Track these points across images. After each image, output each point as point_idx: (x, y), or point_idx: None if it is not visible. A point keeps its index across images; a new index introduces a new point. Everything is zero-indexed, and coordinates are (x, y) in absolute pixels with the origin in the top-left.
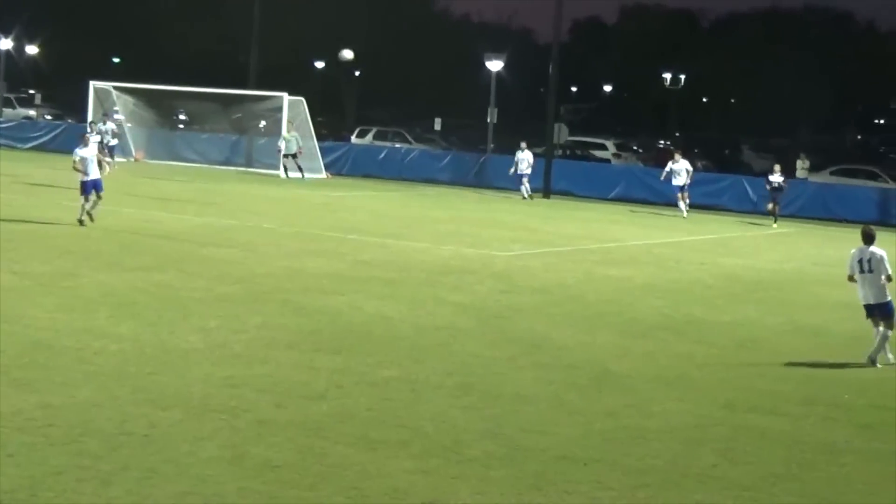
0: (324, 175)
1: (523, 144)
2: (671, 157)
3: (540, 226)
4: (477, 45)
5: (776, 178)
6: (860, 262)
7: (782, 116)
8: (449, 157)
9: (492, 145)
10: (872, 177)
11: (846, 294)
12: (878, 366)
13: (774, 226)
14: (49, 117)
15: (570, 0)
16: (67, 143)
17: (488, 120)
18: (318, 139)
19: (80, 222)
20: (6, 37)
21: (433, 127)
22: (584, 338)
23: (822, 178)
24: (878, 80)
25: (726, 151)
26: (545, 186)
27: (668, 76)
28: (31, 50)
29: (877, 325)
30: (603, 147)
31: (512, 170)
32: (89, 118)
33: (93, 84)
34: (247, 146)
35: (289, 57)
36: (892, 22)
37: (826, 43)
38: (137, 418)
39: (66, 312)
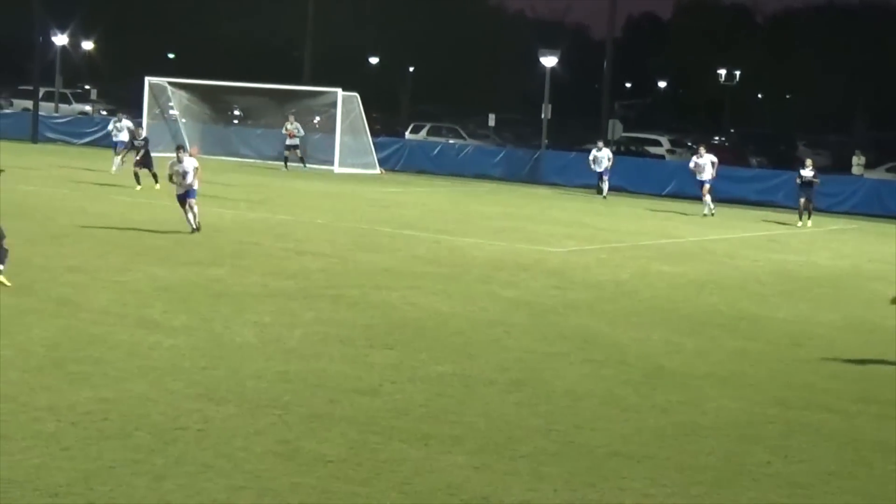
0: (378, 171)
1: (600, 143)
2: (696, 152)
3: (594, 222)
4: (531, 41)
5: (807, 172)
6: None
7: (838, 112)
8: (503, 153)
9: (546, 141)
10: None
11: None
12: None
13: (807, 223)
14: (104, 113)
15: None
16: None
17: (542, 116)
18: (372, 135)
19: (195, 230)
20: (62, 33)
21: (487, 123)
22: (638, 334)
23: (878, 174)
24: None
25: (781, 148)
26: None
27: (722, 72)
28: (87, 46)
29: None
30: (657, 143)
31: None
32: (144, 113)
33: (148, 79)
34: (301, 142)
35: (343, 52)
36: None
37: (882, 38)
38: (191, 413)
39: (120, 307)
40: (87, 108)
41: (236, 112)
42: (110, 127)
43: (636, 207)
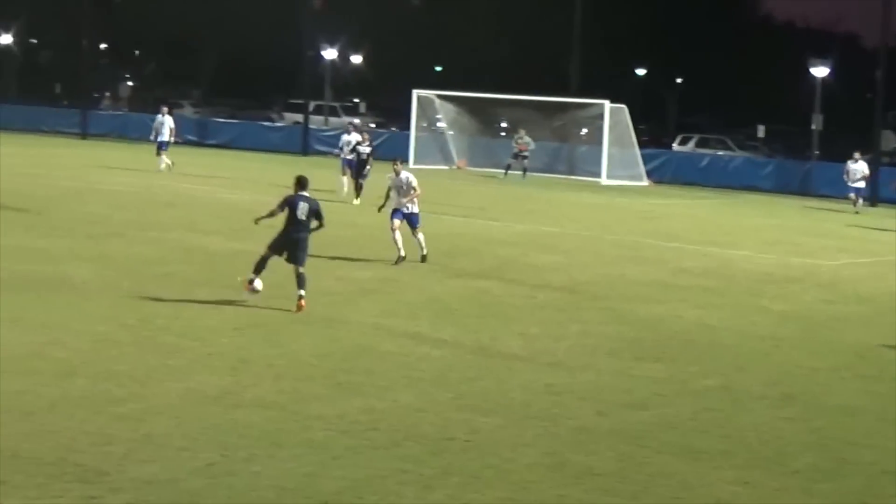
0: (645, 182)
1: (857, 154)
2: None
3: (867, 234)
4: (802, 50)
5: (856, 166)
6: None
7: None
8: (772, 165)
9: (817, 152)
10: None
11: None
12: None
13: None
14: (373, 125)
15: None
16: (390, 150)
17: (813, 127)
18: (640, 146)
19: (423, 256)
20: (331, 47)
21: (756, 134)
22: None
23: None
24: None
25: None
26: (872, 194)
27: None
28: (356, 59)
29: None
30: None
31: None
32: (412, 125)
33: (416, 92)
34: (568, 153)
35: (610, 64)
36: None
37: None
38: (459, 424)
39: (388, 318)
40: (356, 120)
41: (503, 124)
42: (161, 119)
43: None
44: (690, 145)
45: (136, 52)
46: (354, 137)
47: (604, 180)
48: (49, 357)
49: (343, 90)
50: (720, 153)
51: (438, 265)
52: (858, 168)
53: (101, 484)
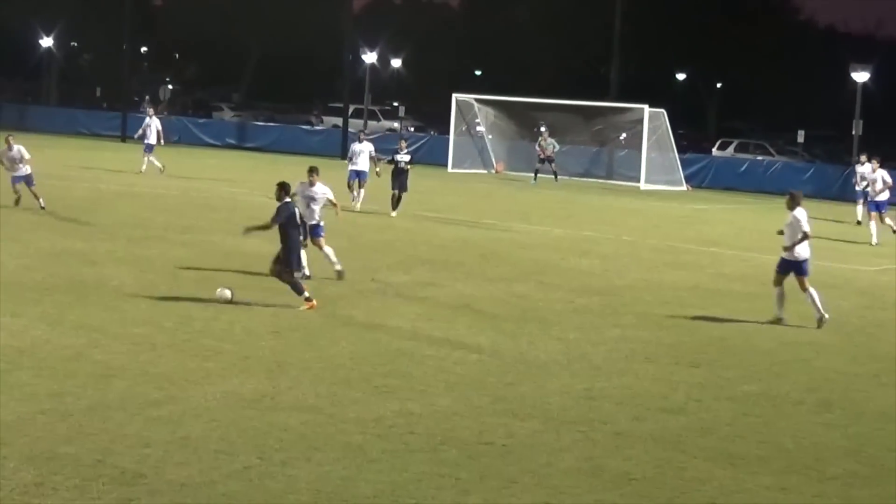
0: (684, 187)
1: (863, 157)
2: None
3: None
4: (842, 55)
5: (863, 169)
6: None
7: None
8: (812, 170)
9: (857, 157)
10: None
11: None
12: None
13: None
14: (412, 129)
15: None
16: (430, 155)
17: (853, 132)
18: (679, 151)
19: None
20: (371, 51)
21: (796, 139)
22: None
23: None
24: None
25: None
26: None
27: None
28: (395, 63)
29: None
30: None
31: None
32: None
33: (455, 96)
34: (607, 158)
35: (649, 68)
36: None
37: None
38: (496, 428)
39: (426, 322)
40: (395, 124)
41: (542, 129)
42: (148, 121)
43: None
44: (730, 150)
45: (176, 56)
46: (366, 147)
47: (642, 185)
48: (87, 359)
49: (382, 94)
50: (759, 158)
51: (476, 269)
52: (864, 171)
53: (139, 486)
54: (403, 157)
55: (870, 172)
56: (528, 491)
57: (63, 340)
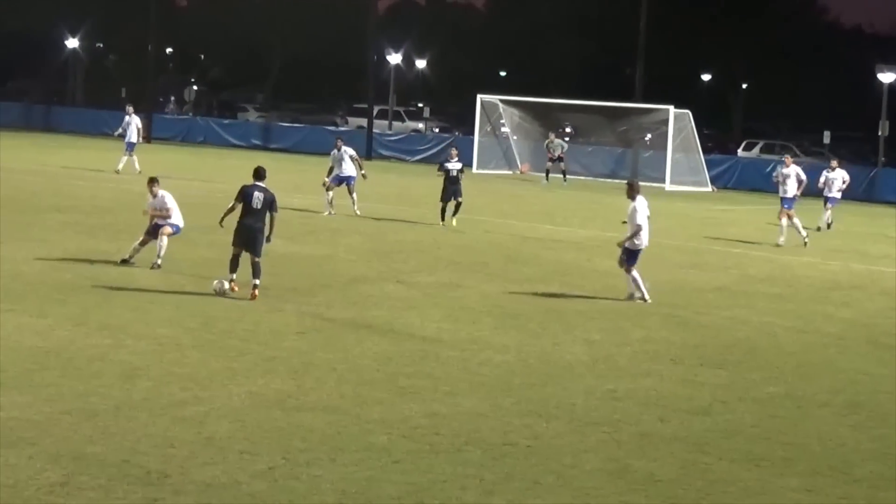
0: (709, 188)
1: (834, 163)
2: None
3: None
4: (869, 56)
5: (833, 175)
6: None
7: None
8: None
9: (883, 158)
10: None
11: None
12: None
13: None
14: (437, 130)
15: None
16: None
17: (879, 133)
18: (704, 152)
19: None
20: (395, 52)
21: (822, 140)
22: None
23: None
24: None
25: None
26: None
27: None
28: (420, 64)
29: None
30: None
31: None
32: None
33: (480, 97)
34: (632, 159)
35: (675, 69)
36: None
37: None
38: (521, 429)
39: (451, 323)
40: (420, 125)
41: (567, 129)
42: (123, 125)
43: None
44: (755, 151)
45: (202, 57)
46: (346, 152)
47: (668, 186)
48: (113, 359)
49: (407, 95)
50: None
51: (501, 270)
52: (835, 177)
53: (164, 486)
54: (455, 166)
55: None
56: (552, 492)
57: (89, 341)
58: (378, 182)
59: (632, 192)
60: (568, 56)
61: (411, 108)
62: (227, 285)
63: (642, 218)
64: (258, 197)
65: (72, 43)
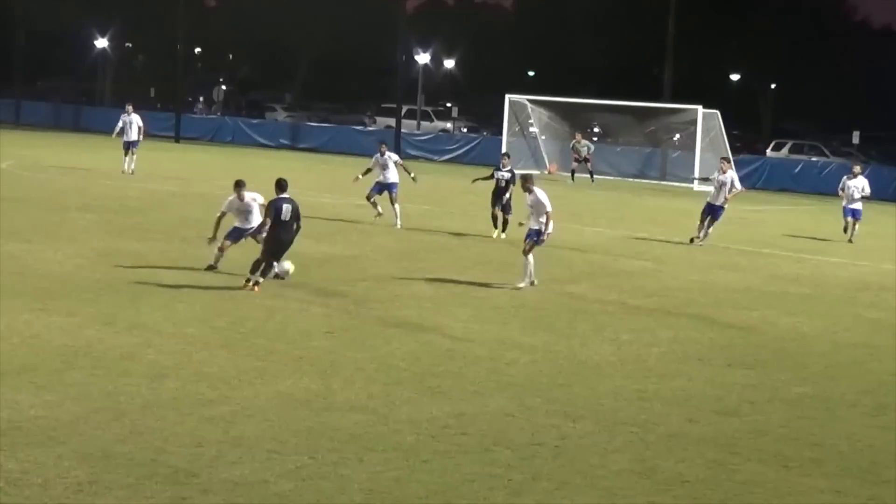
0: (738, 188)
1: (857, 168)
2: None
3: None
4: None
5: (855, 182)
6: None
7: None
8: (867, 171)
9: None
10: None
11: None
12: None
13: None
14: (465, 130)
15: None
16: (482, 156)
17: None
18: (732, 152)
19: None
20: (424, 51)
21: (851, 140)
22: None
23: None
24: None
25: None
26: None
27: None
28: (448, 64)
29: None
30: None
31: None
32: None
33: (508, 97)
34: (661, 159)
35: (703, 69)
36: None
37: None
38: (548, 429)
39: (479, 323)
40: (448, 125)
41: (596, 129)
42: (119, 124)
43: None
44: (784, 151)
45: (230, 57)
46: (389, 160)
47: (696, 186)
48: (141, 359)
49: (435, 95)
50: (814, 159)
51: None
52: (858, 185)
53: (192, 485)
54: (504, 175)
55: (720, 174)
56: (580, 492)
57: (117, 340)
58: (406, 182)
59: (528, 184)
60: (596, 56)
61: (439, 108)
62: (286, 266)
63: (550, 205)
64: (286, 209)
65: (101, 43)
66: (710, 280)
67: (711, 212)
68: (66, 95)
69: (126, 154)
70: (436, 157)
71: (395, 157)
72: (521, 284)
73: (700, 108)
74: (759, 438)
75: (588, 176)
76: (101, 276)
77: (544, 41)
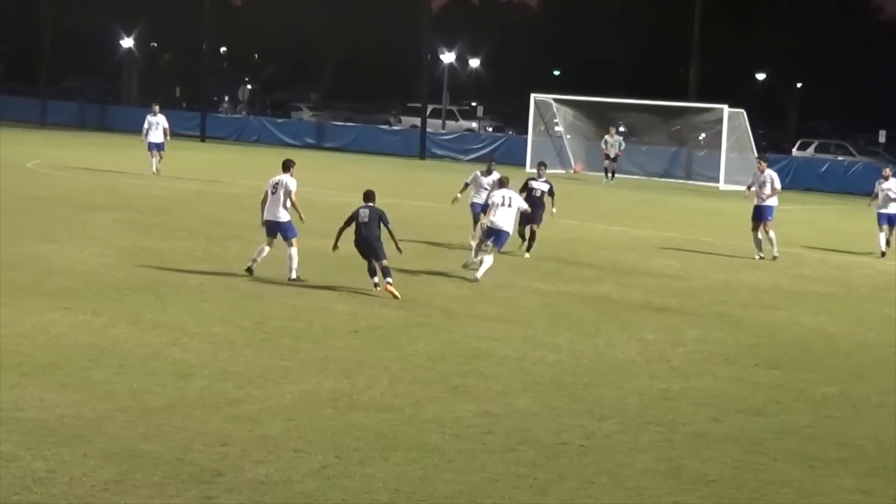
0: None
1: (886, 170)
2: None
3: None
4: None
5: (889, 185)
6: None
7: None
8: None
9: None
10: None
11: None
12: None
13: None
14: (490, 129)
15: None
16: (508, 155)
17: None
18: (758, 151)
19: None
20: (449, 51)
21: (877, 139)
22: None
23: None
24: None
25: None
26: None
27: None
28: (474, 63)
29: None
30: None
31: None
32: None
33: (533, 96)
34: (686, 158)
35: (729, 68)
36: None
37: None
38: (574, 428)
39: (504, 322)
40: (474, 124)
41: (621, 129)
42: (146, 125)
43: None
44: (810, 150)
45: (255, 56)
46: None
47: (722, 185)
48: (167, 358)
49: (460, 94)
50: (840, 158)
51: (554, 270)
52: (891, 186)
53: (217, 484)
54: (541, 186)
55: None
56: (605, 491)
57: (143, 339)
58: (430, 181)
59: (501, 186)
60: (622, 55)
61: (464, 107)
62: (475, 258)
63: (523, 203)
64: (364, 213)
65: (126, 42)
66: (735, 279)
67: (760, 216)
68: (91, 95)
69: (151, 155)
70: (461, 157)
71: (496, 175)
72: (479, 275)
73: (726, 108)
74: (785, 438)
75: (610, 174)
76: (126, 276)
77: (570, 40)
